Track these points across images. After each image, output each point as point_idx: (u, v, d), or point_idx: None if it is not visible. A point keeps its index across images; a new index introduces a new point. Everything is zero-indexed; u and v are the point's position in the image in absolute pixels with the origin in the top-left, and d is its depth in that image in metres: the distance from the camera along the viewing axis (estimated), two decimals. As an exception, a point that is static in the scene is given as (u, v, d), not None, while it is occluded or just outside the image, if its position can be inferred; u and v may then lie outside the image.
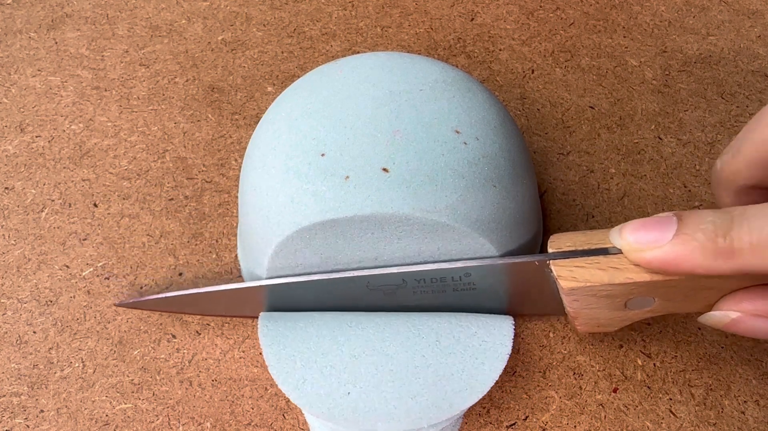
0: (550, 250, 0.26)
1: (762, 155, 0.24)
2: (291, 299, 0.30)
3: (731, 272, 0.21)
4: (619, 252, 0.24)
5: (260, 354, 0.31)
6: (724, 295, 0.25)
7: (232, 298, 0.30)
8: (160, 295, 0.30)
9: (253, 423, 0.30)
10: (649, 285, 0.24)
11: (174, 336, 0.32)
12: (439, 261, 0.28)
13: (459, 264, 0.28)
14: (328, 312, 0.30)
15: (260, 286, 0.29)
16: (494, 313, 0.30)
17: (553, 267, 0.25)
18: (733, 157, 0.25)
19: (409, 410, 0.27)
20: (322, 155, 0.27)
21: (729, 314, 0.24)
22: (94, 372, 0.31)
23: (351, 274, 0.28)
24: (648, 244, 0.22)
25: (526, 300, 0.29)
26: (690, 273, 0.22)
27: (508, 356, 0.29)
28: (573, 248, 0.25)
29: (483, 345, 0.29)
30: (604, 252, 0.25)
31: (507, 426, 0.30)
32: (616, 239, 0.24)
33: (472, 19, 0.45)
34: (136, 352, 0.32)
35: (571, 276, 0.25)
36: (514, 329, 0.30)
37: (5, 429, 0.30)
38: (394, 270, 0.28)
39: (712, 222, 0.21)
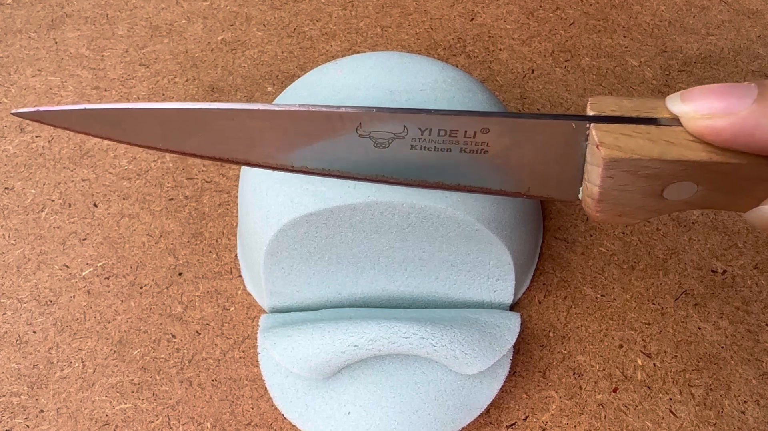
0: (590, 112, 0.22)
1: None
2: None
3: None
4: (673, 124, 0.21)
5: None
6: None
7: (169, 120, 0.24)
8: (73, 107, 0.24)
9: (253, 423, 0.30)
10: (702, 166, 0.21)
11: (174, 336, 0.32)
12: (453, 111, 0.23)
13: (479, 116, 0.23)
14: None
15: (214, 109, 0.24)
16: (502, 187, 0.25)
17: (594, 131, 0.21)
18: None
19: (412, 424, 0.27)
20: (322, 155, 0.27)
21: None
22: (94, 372, 0.31)
23: (341, 110, 0.23)
24: (719, 110, 0.19)
25: (539, 176, 0.24)
26: (765, 150, 0.19)
27: (507, 372, 0.29)
28: (618, 113, 0.21)
29: None
30: (654, 122, 0.21)
31: (507, 426, 0.30)
32: (675, 105, 0.20)
33: (472, 19, 0.45)
34: (136, 352, 0.32)
35: (615, 144, 0.21)
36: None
37: (5, 429, 0.30)
38: (397, 113, 0.23)
39: None
